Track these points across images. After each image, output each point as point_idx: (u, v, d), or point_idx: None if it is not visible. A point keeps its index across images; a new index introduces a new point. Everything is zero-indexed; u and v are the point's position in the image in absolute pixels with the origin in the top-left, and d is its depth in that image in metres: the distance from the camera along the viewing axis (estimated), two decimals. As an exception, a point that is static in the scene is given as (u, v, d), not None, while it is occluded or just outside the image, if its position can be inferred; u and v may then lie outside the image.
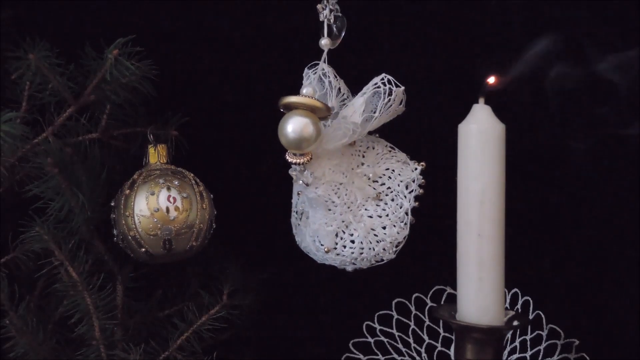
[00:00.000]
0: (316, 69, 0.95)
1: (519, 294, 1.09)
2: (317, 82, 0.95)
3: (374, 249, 0.96)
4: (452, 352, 1.09)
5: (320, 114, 0.91)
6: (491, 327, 0.88)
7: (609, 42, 1.06)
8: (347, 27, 0.93)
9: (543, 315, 1.07)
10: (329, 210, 0.96)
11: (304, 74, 0.96)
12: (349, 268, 0.99)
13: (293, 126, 0.90)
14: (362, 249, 0.96)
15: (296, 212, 1.01)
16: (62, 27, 1.10)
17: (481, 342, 0.88)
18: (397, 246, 0.97)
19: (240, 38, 1.14)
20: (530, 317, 1.07)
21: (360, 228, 0.96)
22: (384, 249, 0.97)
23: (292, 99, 0.90)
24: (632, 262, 1.10)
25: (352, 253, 0.97)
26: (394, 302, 1.11)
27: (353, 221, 0.97)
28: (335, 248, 0.96)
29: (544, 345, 1.07)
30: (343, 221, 0.96)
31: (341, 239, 0.97)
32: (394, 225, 0.97)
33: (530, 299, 1.08)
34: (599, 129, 1.10)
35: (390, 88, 0.94)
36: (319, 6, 0.94)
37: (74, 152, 0.99)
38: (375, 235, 0.97)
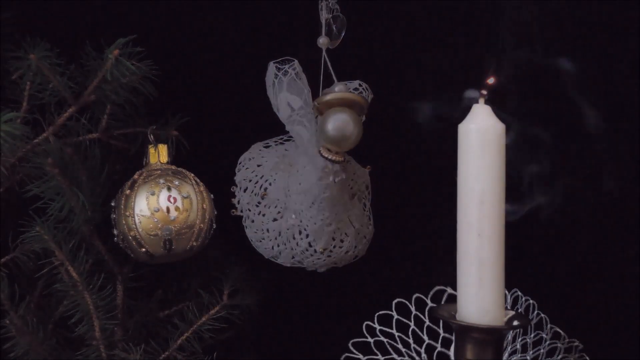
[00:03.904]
0: (292, 65, 0.95)
1: (521, 295, 1.09)
2: (294, 80, 0.95)
3: (357, 247, 0.98)
4: (451, 353, 1.09)
5: (358, 109, 0.91)
6: (491, 327, 0.88)
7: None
8: (347, 26, 0.94)
9: (545, 317, 1.07)
10: (332, 209, 0.96)
11: (269, 68, 0.96)
12: (323, 269, 0.99)
13: (334, 124, 0.90)
14: (349, 247, 0.97)
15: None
16: (62, 27, 1.10)
17: (481, 342, 0.88)
18: (368, 243, 1.00)
19: (241, 38, 1.14)
20: (533, 319, 1.07)
21: (352, 227, 0.97)
22: (362, 247, 0.99)
23: (330, 96, 0.91)
24: (632, 262, 1.10)
25: (340, 252, 0.97)
26: (394, 302, 1.11)
27: (349, 220, 0.97)
28: (327, 248, 0.97)
29: (544, 345, 1.07)
30: (339, 220, 0.97)
31: (333, 239, 0.97)
32: (368, 224, 0.99)
33: (532, 301, 1.08)
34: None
35: (368, 95, 0.96)
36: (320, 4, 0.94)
37: (74, 152, 0.99)
38: (358, 233, 0.98)
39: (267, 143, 1.02)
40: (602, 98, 1.10)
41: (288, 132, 0.99)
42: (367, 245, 1.00)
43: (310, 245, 0.97)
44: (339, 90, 0.91)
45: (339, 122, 0.90)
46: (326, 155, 0.92)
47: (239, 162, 1.02)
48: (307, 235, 0.97)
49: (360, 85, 0.96)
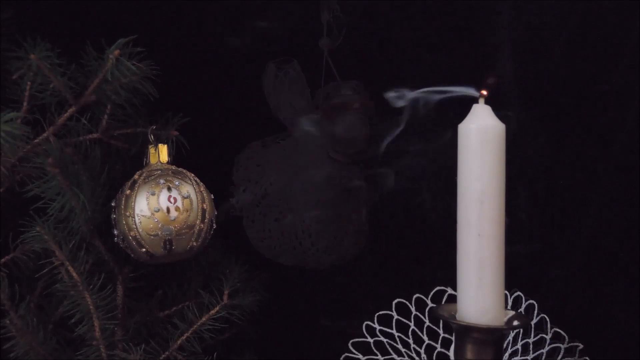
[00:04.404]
0: (292, 65, 0.96)
1: (522, 296, 1.09)
2: (295, 80, 0.95)
3: (357, 245, 0.98)
4: (451, 353, 1.09)
5: (364, 111, 0.92)
6: (491, 327, 0.88)
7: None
8: (347, 26, 0.94)
9: (545, 317, 1.07)
10: (335, 209, 0.96)
11: (268, 69, 0.96)
12: (323, 267, 1.00)
13: (342, 126, 0.91)
14: (350, 245, 0.98)
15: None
16: (63, 27, 1.10)
17: (481, 342, 0.88)
18: (365, 241, 1.00)
19: (241, 38, 1.14)
20: (534, 319, 1.07)
21: (352, 225, 0.98)
22: (361, 245, 0.99)
23: (338, 99, 0.91)
24: (632, 262, 1.10)
25: (341, 250, 0.98)
26: (394, 302, 1.11)
27: (350, 219, 0.98)
28: (328, 247, 0.97)
29: (544, 346, 1.07)
30: (341, 219, 0.97)
31: (334, 238, 0.97)
32: (365, 222, 1.00)
33: (533, 301, 1.08)
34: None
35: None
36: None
37: (75, 152, 0.99)
38: (357, 231, 0.98)
39: (265, 142, 1.02)
40: (601, 97, 1.10)
41: (285, 131, 0.99)
42: (364, 243, 1.01)
43: (312, 245, 0.97)
44: (345, 93, 0.92)
45: (347, 125, 0.90)
46: (333, 156, 0.92)
47: (236, 162, 1.02)
48: (310, 235, 0.97)
49: (357, 85, 0.97)
